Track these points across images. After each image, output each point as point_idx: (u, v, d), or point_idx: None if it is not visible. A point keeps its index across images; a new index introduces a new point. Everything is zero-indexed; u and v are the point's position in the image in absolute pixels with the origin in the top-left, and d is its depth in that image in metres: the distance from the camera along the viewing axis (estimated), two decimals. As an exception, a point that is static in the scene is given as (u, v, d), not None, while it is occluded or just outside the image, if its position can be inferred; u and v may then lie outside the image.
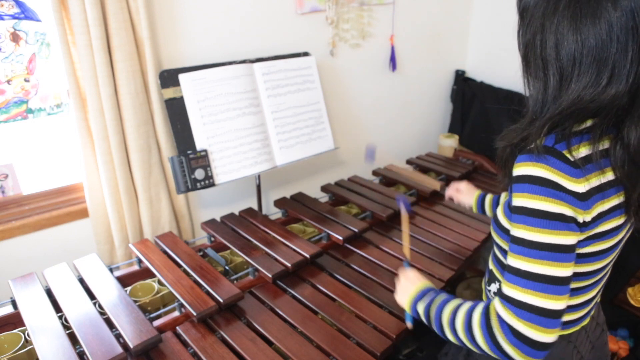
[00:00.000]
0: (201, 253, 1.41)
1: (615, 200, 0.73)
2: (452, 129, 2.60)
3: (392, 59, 2.19)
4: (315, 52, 1.84)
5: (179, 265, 1.29)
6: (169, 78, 1.45)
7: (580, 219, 0.69)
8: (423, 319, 0.87)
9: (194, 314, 1.09)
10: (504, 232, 0.83)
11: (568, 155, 0.68)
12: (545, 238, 0.68)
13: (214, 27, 1.64)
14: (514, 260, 0.71)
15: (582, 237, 0.72)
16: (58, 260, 1.38)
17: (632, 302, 1.71)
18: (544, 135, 0.71)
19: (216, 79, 1.51)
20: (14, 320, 1.14)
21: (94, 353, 0.95)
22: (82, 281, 1.22)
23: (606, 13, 0.65)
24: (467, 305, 0.79)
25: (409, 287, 0.94)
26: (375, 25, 2.07)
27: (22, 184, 1.51)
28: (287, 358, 1.02)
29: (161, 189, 1.59)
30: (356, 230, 1.48)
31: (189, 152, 1.45)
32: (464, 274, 2.11)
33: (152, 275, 1.28)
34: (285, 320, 1.14)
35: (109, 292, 1.15)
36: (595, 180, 0.69)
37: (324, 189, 1.82)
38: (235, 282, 1.29)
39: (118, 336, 1.02)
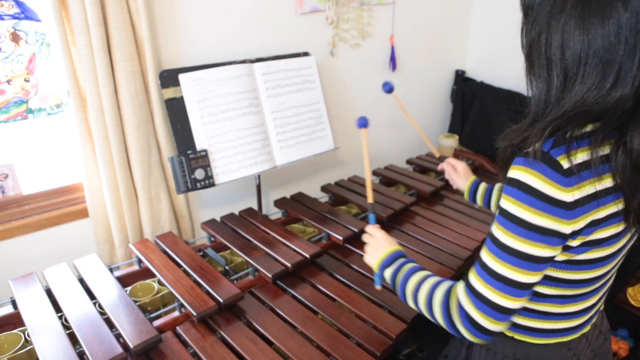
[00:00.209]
0: (201, 253, 1.41)
1: (612, 208, 0.71)
2: (452, 129, 2.60)
3: (392, 59, 2.19)
4: (315, 52, 1.84)
5: (179, 265, 1.29)
6: (169, 78, 1.45)
7: (567, 229, 0.68)
8: (389, 283, 0.93)
9: (194, 314, 1.09)
10: None
11: (562, 162, 0.67)
12: (518, 246, 0.69)
13: (214, 27, 1.64)
14: (485, 256, 0.74)
15: (575, 243, 0.71)
16: (58, 260, 1.38)
17: (632, 302, 1.71)
18: (544, 139, 0.69)
19: (216, 79, 1.51)
20: (14, 320, 1.14)
21: (94, 353, 0.95)
22: (82, 281, 1.22)
23: (615, 13, 0.63)
24: (432, 280, 0.84)
25: (377, 248, 0.98)
26: (375, 25, 2.07)
27: (22, 184, 1.51)
28: (287, 358, 1.02)
29: (161, 189, 1.59)
30: (356, 230, 1.48)
31: (189, 152, 1.45)
32: (464, 274, 2.11)
33: (152, 275, 1.28)
34: (285, 320, 1.14)
35: (109, 292, 1.15)
36: (589, 188, 0.68)
37: (324, 189, 1.82)
38: (235, 282, 1.29)
39: (118, 336, 1.02)
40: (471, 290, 0.75)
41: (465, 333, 0.76)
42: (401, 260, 0.93)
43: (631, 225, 0.74)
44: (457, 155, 2.25)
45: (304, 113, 1.71)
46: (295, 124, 1.69)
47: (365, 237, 1.04)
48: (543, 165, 0.67)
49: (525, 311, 0.83)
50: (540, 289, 0.79)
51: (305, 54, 1.76)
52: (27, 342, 1.07)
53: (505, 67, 2.31)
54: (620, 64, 0.64)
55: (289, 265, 1.29)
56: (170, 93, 1.46)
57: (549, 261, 0.72)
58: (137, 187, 1.54)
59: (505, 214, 0.70)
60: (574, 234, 0.69)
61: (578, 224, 0.68)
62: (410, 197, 1.73)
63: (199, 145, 1.48)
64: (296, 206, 1.65)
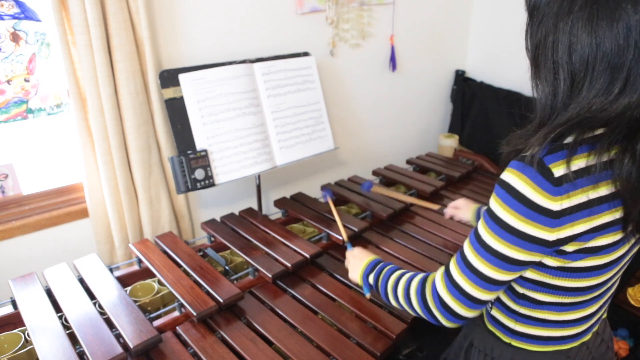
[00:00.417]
0: (201, 253, 1.41)
1: (608, 217, 0.69)
2: (452, 129, 2.60)
3: (392, 59, 2.19)
4: (315, 52, 1.84)
5: (179, 265, 1.29)
6: (169, 78, 1.45)
7: (551, 237, 0.67)
8: (374, 288, 0.99)
9: (194, 314, 1.09)
10: None
11: (554, 170, 0.65)
12: (498, 247, 0.70)
13: (214, 27, 1.64)
14: (466, 248, 0.76)
15: (571, 248, 0.70)
16: (58, 260, 1.38)
17: (632, 302, 1.71)
18: (545, 144, 0.67)
19: (216, 79, 1.51)
20: (14, 320, 1.14)
21: (94, 353, 0.95)
22: (82, 281, 1.22)
23: (625, 15, 0.61)
24: (408, 274, 0.89)
25: (357, 263, 1.06)
26: (375, 25, 2.07)
27: (22, 184, 1.51)
28: (287, 358, 1.02)
29: (161, 189, 1.59)
30: (356, 230, 1.48)
31: (189, 152, 1.45)
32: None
33: (152, 275, 1.28)
34: (285, 320, 1.14)
35: (109, 292, 1.15)
36: (582, 196, 0.66)
37: (324, 189, 1.82)
38: (235, 282, 1.29)
39: (118, 336, 1.02)
40: (448, 277, 0.78)
41: (440, 317, 0.79)
42: (380, 264, 1.00)
43: (629, 235, 0.72)
44: (457, 155, 2.25)
45: (304, 113, 1.71)
46: (295, 124, 1.69)
47: (346, 262, 1.14)
48: (534, 171, 0.66)
49: (521, 317, 0.82)
50: (537, 296, 0.78)
51: (305, 54, 1.76)
52: (27, 342, 1.07)
53: (505, 67, 2.31)
54: (629, 69, 0.62)
55: (289, 265, 1.29)
56: (170, 93, 1.46)
57: (528, 265, 0.72)
58: (137, 187, 1.54)
59: (491, 214, 0.71)
60: (561, 242, 0.68)
61: (563, 232, 0.67)
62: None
63: (199, 145, 1.48)
64: (296, 206, 1.65)
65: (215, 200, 1.84)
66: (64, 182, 1.59)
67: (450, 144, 2.28)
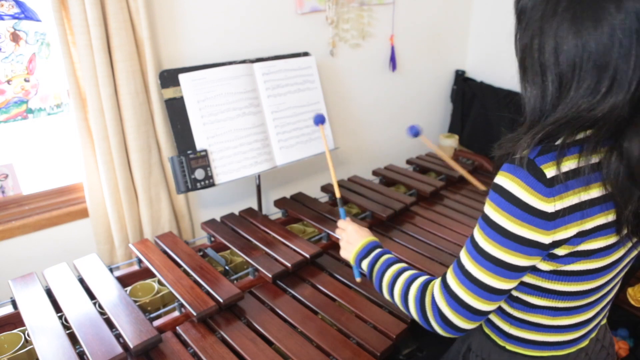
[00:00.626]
0: (201, 253, 1.41)
1: (601, 219, 0.68)
2: (452, 129, 2.60)
3: (392, 59, 2.19)
4: (315, 52, 1.84)
5: (179, 265, 1.29)
6: (169, 78, 1.45)
7: (547, 240, 0.67)
8: (367, 275, 0.94)
9: (194, 314, 1.09)
10: None
11: (546, 171, 0.65)
12: (496, 253, 0.69)
13: (214, 27, 1.64)
14: (463, 257, 0.74)
15: (562, 252, 0.69)
16: (58, 260, 1.38)
17: (632, 302, 1.71)
18: (533, 145, 0.67)
19: (216, 79, 1.51)
20: (14, 320, 1.14)
21: (94, 353, 0.95)
22: (82, 281, 1.22)
23: (608, 15, 0.61)
24: (407, 274, 0.85)
25: (352, 242, 0.99)
26: (375, 25, 2.07)
27: (22, 184, 1.51)
28: (287, 358, 1.02)
29: (161, 189, 1.59)
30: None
31: (189, 152, 1.45)
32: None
33: (152, 275, 1.28)
34: (285, 320, 1.14)
35: (109, 292, 1.15)
36: (574, 198, 0.66)
37: (324, 189, 1.82)
38: (235, 282, 1.29)
39: (118, 336, 1.02)
40: (446, 289, 0.75)
41: (437, 329, 0.77)
42: (377, 250, 0.94)
43: (624, 238, 0.71)
44: (457, 155, 2.25)
45: (304, 113, 1.71)
46: (295, 124, 1.69)
47: (337, 232, 1.07)
48: (526, 173, 0.65)
49: (516, 321, 0.81)
50: (530, 299, 0.77)
51: (305, 54, 1.76)
52: (27, 342, 1.07)
53: (505, 67, 2.31)
54: (615, 68, 0.62)
55: (289, 265, 1.29)
56: (170, 93, 1.46)
57: (526, 270, 0.71)
58: (137, 187, 1.54)
59: (486, 219, 0.70)
60: (555, 244, 0.68)
61: (558, 234, 0.67)
62: (410, 197, 1.73)
63: (199, 145, 1.48)
64: (296, 206, 1.65)
65: (215, 200, 1.84)
66: (64, 182, 1.59)
67: (450, 144, 2.28)
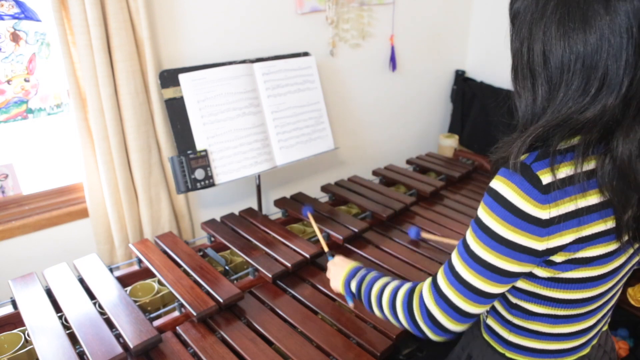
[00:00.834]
0: (201, 253, 1.41)
1: (600, 226, 0.67)
2: (452, 129, 2.60)
3: (392, 59, 2.19)
4: (315, 52, 1.84)
5: (179, 265, 1.29)
6: (169, 78, 1.45)
7: (540, 246, 0.66)
8: (356, 296, 0.94)
9: (194, 314, 1.09)
10: None
11: (542, 177, 0.64)
12: (488, 257, 0.68)
13: (214, 27, 1.64)
14: (455, 259, 0.73)
15: (559, 259, 0.68)
16: (58, 260, 1.38)
17: (632, 302, 1.71)
18: (525, 150, 0.66)
19: (216, 79, 1.51)
20: (14, 320, 1.14)
21: (94, 353, 0.95)
22: (82, 281, 1.22)
23: (597, 16, 0.60)
24: (394, 284, 0.85)
25: (339, 271, 1.00)
26: (375, 25, 2.07)
27: (22, 184, 1.51)
28: (287, 358, 1.02)
29: (161, 189, 1.59)
30: (356, 230, 1.48)
31: (189, 152, 1.45)
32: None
33: (152, 275, 1.28)
34: (285, 320, 1.14)
35: (109, 292, 1.15)
36: (570, 205, 0.64)
37: (324, 189, 1.82)
38: (235, 282, 1.29)
39: (118, 336, 1.02)
40: (436, 289, 0.75)
41: (426, 330, 0.76)
42: (362, 271, 0.95)
43: (625, 244, 0.69)
44: (457, 155, 2.25)
45: (304, 113, 1.71)
46: (295, 124, 1.69)
47: (327, 272, 1.08)
48: (522, 178, 0.64)
49: (515, 328, 0.80)
50: (528, 306, 0.76)
51: (305, 54, 1.76)
52: (27, 342, 1.07)
53: (505, 67, 2.29)
54: (605, 69, 0.61)
55: (289, 265, 1.29)
56: (170, 93, 1.46)
57: (518, 276, 0.70)
58: (137, 187, 1.54)
59: (479, 223, 0.69)
60: (550, 252, 0.67)
61: (552, 241, 0.66)
62: (410, 197, 1.73)
63: (199, 145, 1.48)
64: (296, 206, 1.65)
65: (215, 200, 1.84)
66: (64, 182, 1.59)
67: (450, 144, 2.28)
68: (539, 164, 0.65)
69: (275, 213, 1.66)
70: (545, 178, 0.64)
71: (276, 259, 1.33)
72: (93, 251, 1.46)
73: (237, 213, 1.61)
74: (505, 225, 0.66)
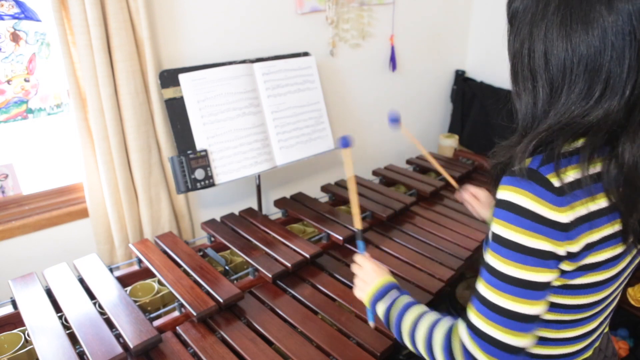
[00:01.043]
0: (201, 253, 1.41)
1: (608, 230, 0.66)
2: (452, 129, 2.60)
3: (392, 59, 2.19)
4: (315, 52, 1.84)
5: (179, 265, 1.29)
6: (169, 78, 1.45)
7: (562, 251, 0.63)
8: (382, 319, 0.85)
9: (194, 314, 1.09)
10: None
11: (553, 180, 0.62)
12: (517, 273, 0.64)
13: (214, 27, 1.64)
14: (483, 288, 0.67)
15: (569, 267, 0.66)
16: (58, 260, 1.38)
17: (632, 302, 1.71)
18: (529, 155, 0.64)
19: (216, 79, 1.51)
20: (14, 320, 1.14)
21: (94, 353, 0.95)
22: (82, 281, 1.22)
23: (599, 17, 0.59)
24: (429, 318, 0.77)
25: (367, 281, 0.89)
26: (375, 25, 2.07)
27: (22, 184, 1.51)
28: (287, 358, 1.02)
29: (161, 189, 1.59)
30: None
31: (189, 152, 1.45)
32: (464, 274, 2.11)
33: (152, 275, 1.28)
34: (285, 320, 1.14)
35: (109, 292, 1.15)
36: (582, 209, 0.63)
37: (324, 189, 1.82)
38: (235, 282, 1.29)
39: (118, 336, 1.02)
40: (473, 331, 0.68)
41: None
42: (394, 293, 0.85)
43: (630, 246, 0.68)
44: (457, 155, 2.25)
45: (304, 113, 1.71)
46: (295, 124, 1.69)
47: (353, 268, 0.95)
48: (532, 183, 0.62)
49: None
50: None
51: (305, 54, 1.76)
52: (27, 342, 1.07)
53: (505, 67, 2.28)
54: (608, 72, 0.60)
55: (289, 265, 1.29)
56: (170, 93, 1.46)
57: (549, 286, 0.67)
58: (137, 187, 1.54)
59: (498, 240, 0.65)
60: (570, 257, 0.64)
61: (573, 246, 0.64)
62: (410, 197, 1.73)
63: (199, 145, 1.48)
64: (296, 206, 1.65)
65: (215, 200, 1.84)
66: (64, 182, 1.59)
67: (450, 144, 2.28)
68: (547, 167, 0.63)
69: (275, 213, 1.66)
70: (556, 181, 0.62)
71: (276, 259, 1.33)
72: (93, 251, 1.46)
73: (237, 213, 1.61)
74: (526, 232, 0.63)
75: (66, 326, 1.06)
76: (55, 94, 1.49)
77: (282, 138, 1.65)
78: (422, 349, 0.76)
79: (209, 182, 1.49)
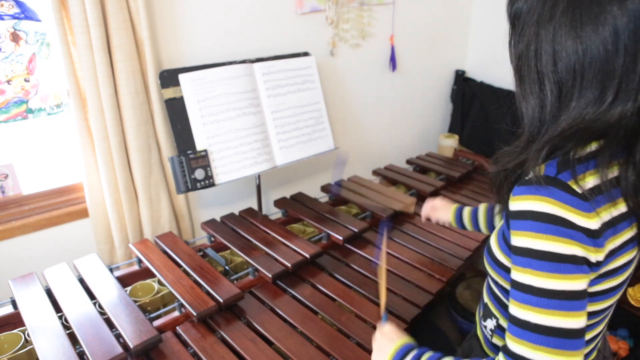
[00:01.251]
0: (201, 253, 1.41)
1: (627, 234, 0.64)
2: (452, 129, 2.60)
3: (392, 59, 2.19)
4: (315, 52, 1.84)
5: (179, 265, 1.29)
6: (169, 78, 1.45)
7: (593, 258, 0.60)
8: None
9: (194, 314, 1.09)
10: (502, 268, 0.73)
11: (574, 187, 0.59)
12: (556, 284, 0.59)
13: (214, 27, 1.64)
14: (519, 311, 0.61)
15: (592, 276, 0.63)
16: (58, 260, 1.38)
17: (632, 302, 1.71)
18: (542, 161, 0.62)
19: (216, 79, 1.51)
20: (14, 320, 1.14)
21: (94, 353, 0.95)
22: (82, 281, 1.22)
23: (611, 18, 0.56)
24: None
25: (386, 345, 0.81)
26: (375, 25, 2.07)
27: (22, 184, 1.51)
28: (287, 358, 1.02)
29: (161, 189, 1.59)
30: (356, 230, 1.48)
31: (189, 152, 1.45)
32: (464, 274, 2.11)
33: (152, 275, 1.28)
34: (285, 320, 1.14)
35: (109, 292, 1.15)
36: (606, 215, 0.60)
37: (324, 189, 1.82)
38: (235, 282, 1.29)
39: (118, 336, 1.02)
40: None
41: None
42: (414, 353, 0.76)
43: None
44: (457, 155, 2.25)
45: (304, 113, 1.71)
46: (295, 124, 1.69)
47: (373, 341, 0.88)
48: (553, 189, 0.59)
49: None
50: None
51: (305, 54, 1.76)
52: (27, 342, 1.07)
53: (505, 67, 2.29)
54: (620, 75, 0.58)
55: (289, 265, 1.29)
56: (170, 93, 1.46)
57: (586, 294, 0.62)
58: (137, 187, 1.54)
59: (527, 253, 0.60)
60: (597, 265, 0.62)
61: (600, 254, 0.60)
62: (410, 197, 1.72)
63: (199, 145, 1.48)
64: (296, 206, 1.65)
65: (215, 200, 1.84)
66: (64, 182, 1.59)
67: (450, 144, 2.28)
68: (565, 175, 0.61)
69: (275, 213, 1.66)
70: (577, 188, 0.60)
71: (276, 259, 1.33)
72: (93, 251, 1.46)
73: (237, 213, 1.61)
74: (558, 239, 0.59)
75: (66, 326, 1.06)
76: (55, 94, 1.49)
77: (282, 138, 1.65)
78: None
79: (209, 182, 1.49)
